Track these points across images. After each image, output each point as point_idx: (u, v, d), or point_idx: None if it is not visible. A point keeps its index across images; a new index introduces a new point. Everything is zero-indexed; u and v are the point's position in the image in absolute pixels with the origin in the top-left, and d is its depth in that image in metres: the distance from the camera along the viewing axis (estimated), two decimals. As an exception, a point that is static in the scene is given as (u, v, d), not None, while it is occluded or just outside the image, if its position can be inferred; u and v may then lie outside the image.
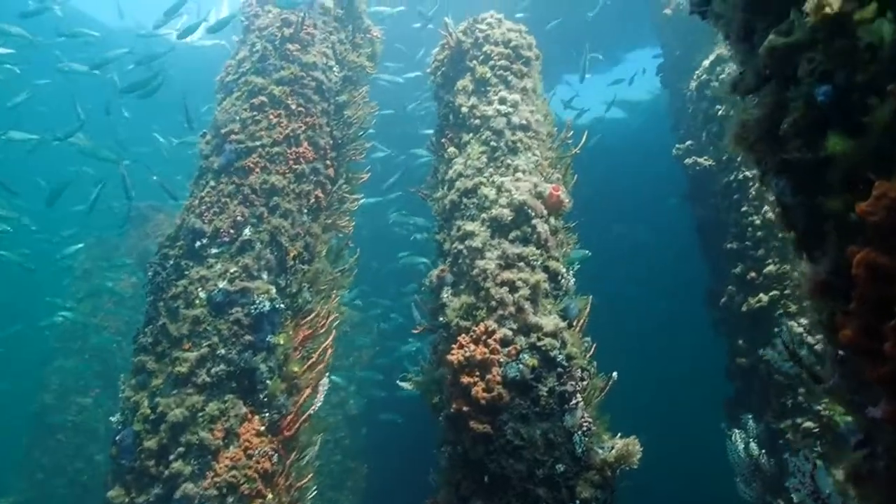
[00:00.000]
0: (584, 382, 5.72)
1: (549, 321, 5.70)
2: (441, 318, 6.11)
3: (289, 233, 6.85)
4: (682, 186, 11.74)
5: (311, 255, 7.12)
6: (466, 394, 5.42)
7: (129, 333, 15.79)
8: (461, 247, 6.25)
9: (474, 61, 7.46)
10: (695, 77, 8.73)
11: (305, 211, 7.18)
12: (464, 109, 7.19)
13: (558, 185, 6.52)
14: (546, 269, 6.07)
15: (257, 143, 7.16)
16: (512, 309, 5.71)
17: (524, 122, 6.90)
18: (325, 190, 7.52)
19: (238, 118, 7.36)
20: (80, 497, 14.56)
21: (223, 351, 6.09)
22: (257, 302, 6.29)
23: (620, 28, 17.34)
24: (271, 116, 7.37)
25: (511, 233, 6.14)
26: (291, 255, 6.78)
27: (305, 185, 7.25)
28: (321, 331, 6.81)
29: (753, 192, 7.63)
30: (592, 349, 6.17)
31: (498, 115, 6.92)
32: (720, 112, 8.24)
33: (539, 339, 5.59)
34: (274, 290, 6.45)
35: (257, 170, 7.00)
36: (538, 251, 6.08)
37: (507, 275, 5.86)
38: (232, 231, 6.62)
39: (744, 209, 7.67)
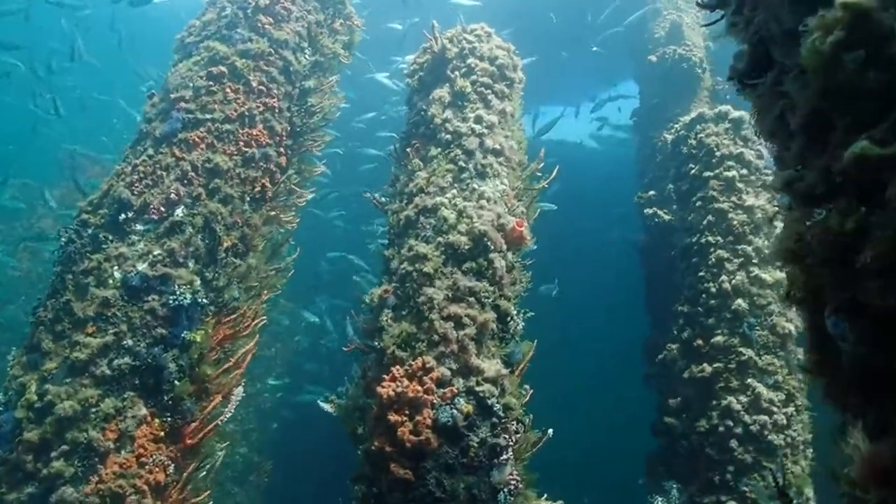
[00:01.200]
0: (518, 435, 5.37)
1: (492, 366, 5.33)
2: (377, 343, 5.66)
3: (226, 220, 6.25)
4: (634, 231, 11.66)
5: (247, 247, 6.54)
6: (392, 433, 4.98)
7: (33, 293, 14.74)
8: (410, 269, 5.81)
9: (456, 72, 7.03)
10: (672, 130, 8.58)
11: (248, 199, 6.60)
12: (436, 121, 6.76)
13: (522, 219, 6.16)
14: (496, 308, 5.70)
15: (208, 115, 6.54)
16: (454, 347, 5.30)
17: (498, 146, 6.52)
18: (273, 179, 6.95)
19: (192, 85, 6.71)
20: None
21: (130, 342, 5.46)
22: (178, 293, 5.68)
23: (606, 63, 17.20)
24: (228, 90, 6.75)
25: (466, 263, 5.74)
26: (225, 245, 6.20)
27: (253, 171, 6.66)
28: (244, 332, 6.25)
29: (713, 259, 7.47)
30: (528, 396, 5.85)
31: (472, 135, 6.51)
32: (692, 171, 8.06)
33: (478, 383, 5.21)
34: (198, 282, 5.86)
35: (203, 145, 6.38)
36: (491, 288, 5.70)
37: (454, 308, 5.45)
38: (163, 209, 5.99)
39: (701, 274, 7.51)
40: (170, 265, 5.78)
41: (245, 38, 7.07)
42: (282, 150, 7.10)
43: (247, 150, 6.61)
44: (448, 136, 6.59)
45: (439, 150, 6.59)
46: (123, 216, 5.94)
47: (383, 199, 7.01)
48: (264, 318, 6.40)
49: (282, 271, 6.91)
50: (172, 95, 6.66)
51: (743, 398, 6.77)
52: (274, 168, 6.95)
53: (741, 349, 6.99)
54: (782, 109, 2.00)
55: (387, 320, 5.72)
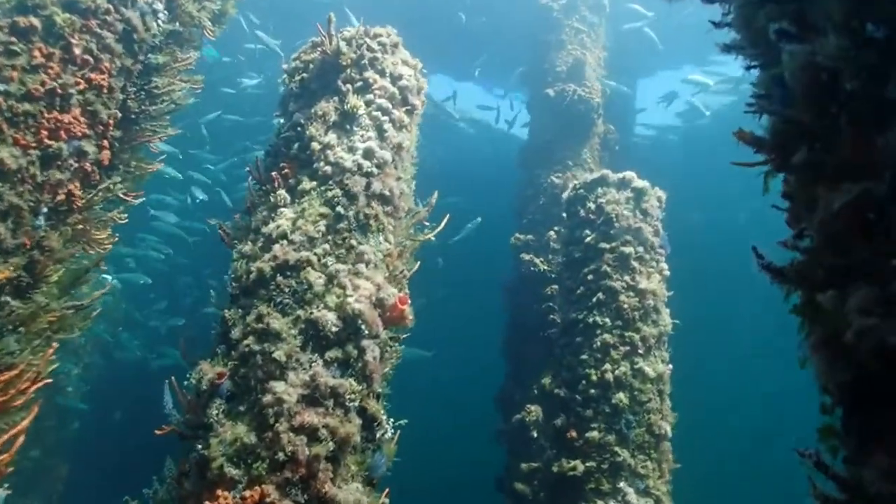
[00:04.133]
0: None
1: (350, 495, 4.20)
2: (200, 446, 4.29)
3: (5, 243, 4.52)
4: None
5: (34, 279, 4.83)
6: None
7: None
8: (255, 347, 4.49)
9: (349, 85, 5.67)
10: (571, 188, 7.79)
11: (45, 211, 4.87)
12: (314, 145, 5.39)
13: (405, 295, 5.02)
14: (363, 412, 4.55)
15: (0, 87, 4.69)
16: (303, 472, 4.09)
17: (388, 192, 5.29)
18: (87, 182, 5.25)
19: (-18, 38, 4.80)
20: None
21: None
22: None
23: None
24: (37, 53, 4.92)
25: (331, 350, 4.52)
26: (0, 277, 4.48)
27: (57, 174, 4.93)
28: (15, 403, 4.57)
29: (599, 343, 6.80)
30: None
31: (357, 172, 5.23)
32: (588, 239, 7.29)
33: (329, 522, 4.07)
34: (-52, 334, 4.14)
35: (-15, 131, 4.56)
36: (359, 387, 4.52)
37: (310, 417, 4.22)
38: None
39: (583, 357, 6.81)
40: None
41: (74, -17, 5.22)
42: (105, 143, 5.38)
43: (51, 142, 4.85)
44: (328, 168, 5.25)
45: (314, 183, 5.24)
46: None
47: (229, 231, 5.54)
48: (48, 379, 4.74)
49: (84, 310, 5.23)
50: (-50, 48, 4.72)
51: (612, 503, 6.19)
52: (90, 167, 5.23)
53: (616, 448, 6.39)
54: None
55: (217, 415, 4.37)
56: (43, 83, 4.86)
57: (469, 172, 18.38)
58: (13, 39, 4.86)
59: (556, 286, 8.84)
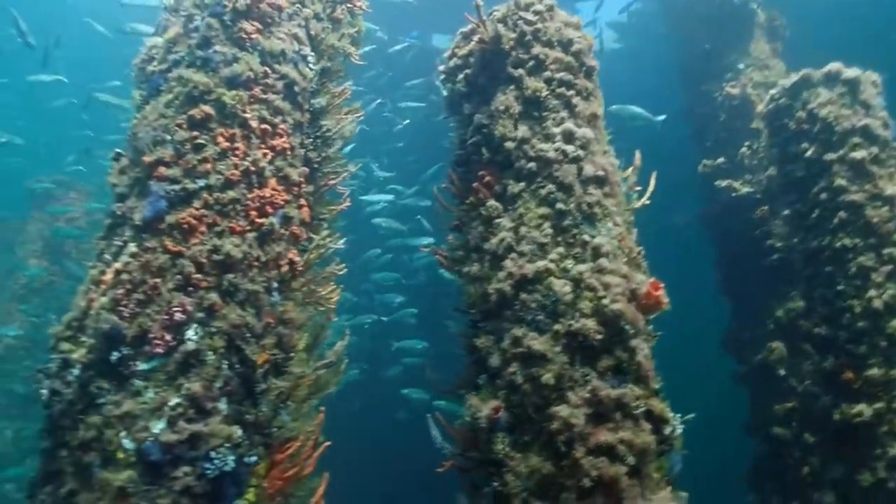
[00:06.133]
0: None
1: (665, 507, 3.91)
2: (495, 483, 4.17)
3: (254, 330, 4.60)
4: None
5: (286, 352, 4.91)
6: None
7: (38, 333, 13.03)
8: (519, 374, 4.27)
9: (520, 69, 5.24)
10: (769, 99, 6.85)
11: (276, 286, 4.92)
12: (508, 144, 5.03)
13: (655, 280, 4.57)
14: (649, 415, 4.22)
15: (200, 183, 4.75)
16: (613, 494, 3.84)
17: (601, 172, 4.85)
18: (297, 245, 5.25)
19: (170, 139, 4.87)
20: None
21: (168, 542, 3.92)
22: (215, 458, 4.10)
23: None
24: (221, 138, 4.92)
25: (601, 360, 4.21)
26: (260, 362, 4.57)
27: (275, 247, 4.95)
28: (308, 469, 4.71)
29: (854, 269, 5.96)
30: None
31: (564, 160, 4.83)
32: (808, 154, 6.37)
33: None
34: (238, 432, 4.27)
35: (202, 228, 4.63)
36: (640, 391, 4.19)
37: (604, 436, 3.95)
38: (167, 337, 4.30)
39: (840, 288, 6.00)
40: (196, 417, 4.17)
41: (228, 57, 5.17)
42: (302, 201, 5.36)
43: (261, 220, 4.87)
44: (531, 165, 4.89)
45: (522, 184, 4.90)
46: (116, 354, 4.26)
47: (447, 253, 5.36)
48: (326, 443, 4.84)
49: (333, 366, 5.29)
50: (146, 158, 4.82)
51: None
52: (298, 230, 5.23)
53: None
54: None
55: (503, 449, 4.22)
56: (236, 166, 4.87)
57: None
58: (194, 133, 4.89)
59: (766, 207, 7.99)
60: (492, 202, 4.98)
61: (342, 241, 5.88)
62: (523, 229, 4.73)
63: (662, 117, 10.61)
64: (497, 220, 4.89)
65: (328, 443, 4.91)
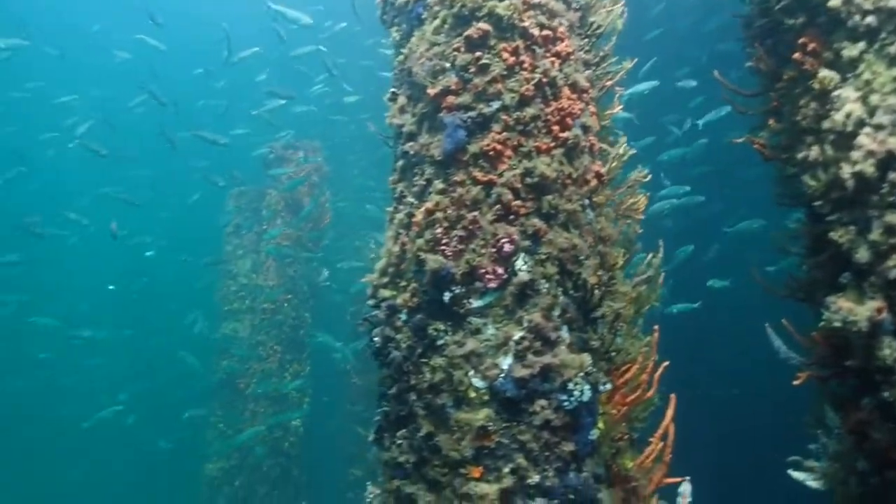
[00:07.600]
0: None
1: None
2: (884, 392, 3.46)
3: (582, 251, 4.25)
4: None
5: (609, 271, 4.53)
6: None
7: (297, 290, 14.45)
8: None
9: None
10: None
11: (588, 203, 4.52)
12: (833, 2, 4.04)
13: None
14: None
15: (495, 105, 4.44)
16: None
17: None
18: (594, 154, 4.78)
19: (450, 66, 4.60)
20: (284, 466, 13.85)
21: (537, 477, 3.81)
22: (574, 389, 3.87)
23: None
24: (505, 54, 4.54)
25: None
26: (592, 285, 4.23)
27: (582, 160, 4.53)
28: (650, 393, 4.37)
29: None
30: None
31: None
32: None
33: None
34: (588, 360, 4.00)
35: (508, 152, 4.34)
36: None
37: None
38: (500, 270, 4.11)
39: None
40: (543, 348, 3.96)
41: (490, -34, 4.73)
42: (592, 108, 4.86)
43: (563, 134, 4.46)
44: (870, 21, 3.88)
45: (861, 45, 3.93)
46: (448, 294, 4.17)
47: (764, 141, 4.56)
48: (665, 363, 4.44)
49: (651, 280, 4.84)
50: (431, 91, 4.60)
51: None
52: (593, 140, 4.76)
53: None
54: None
55: (893, 354, 3.48)
56: (528, 80, 4.47)
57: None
58: (478, 54, 4.55)
59: None
60: (824, 72, 4.07)
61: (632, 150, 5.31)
62: (874, 98, 3.80)
63: None
64: (836, 93, 3.99)
65: (667, 363, 4.50)
